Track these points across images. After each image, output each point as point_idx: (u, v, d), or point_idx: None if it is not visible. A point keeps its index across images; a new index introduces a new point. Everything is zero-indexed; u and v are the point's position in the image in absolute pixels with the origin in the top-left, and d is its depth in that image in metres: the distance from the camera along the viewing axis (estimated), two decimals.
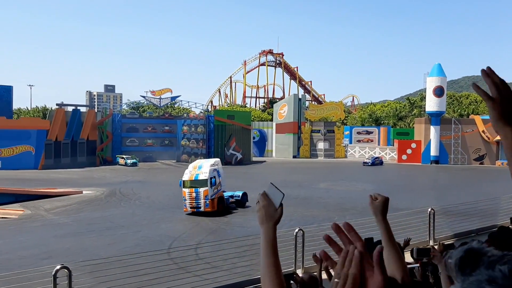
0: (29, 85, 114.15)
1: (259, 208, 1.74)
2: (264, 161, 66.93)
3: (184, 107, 78.67)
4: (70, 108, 59.48)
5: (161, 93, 65.40)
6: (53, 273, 7.29)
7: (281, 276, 1.67)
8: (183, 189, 26.31)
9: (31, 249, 18.68)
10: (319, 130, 72.68)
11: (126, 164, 57.18)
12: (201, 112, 66.07)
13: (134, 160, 58.06)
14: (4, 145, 51.00)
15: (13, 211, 26.65)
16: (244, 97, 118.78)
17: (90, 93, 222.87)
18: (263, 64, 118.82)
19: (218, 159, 30.49)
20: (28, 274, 13.17)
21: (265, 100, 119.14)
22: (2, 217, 25.05)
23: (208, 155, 60.07)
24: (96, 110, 72.35)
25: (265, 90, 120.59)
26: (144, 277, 13.25)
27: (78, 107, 59.80)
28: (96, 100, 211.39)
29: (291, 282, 4.46)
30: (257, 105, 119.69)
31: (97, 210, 27.97)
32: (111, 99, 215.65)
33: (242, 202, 28.72)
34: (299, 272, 10.95)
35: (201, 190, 25.68)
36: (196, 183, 26.11)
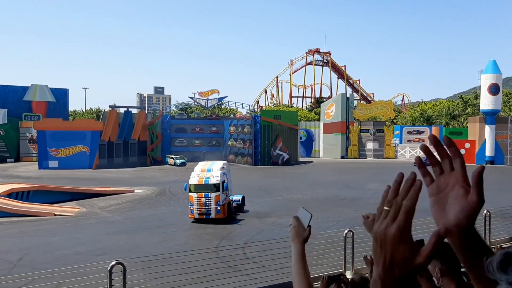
0: (84, 87, 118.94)
1: (291, 228, 2.09)
2: (311, 162, 66.44)
3: (231, 107, 79.46)
4: (122, 110, 61.42)
5: (209, 94, 66.34)
6: (108, 269, 7.54)
7: (309, 281, 2.03)
8: (190, 194, 24.04)
9: (86, 245, 19.43)
10: (368, 129, 71.31)
11: (175, 164, 58.43)
12: (248, 113, 66.46)
13: (183, 160, 59.22)
14: (61, 145, 53.33)
15: (69, 208, 27.80)
16: (291, 97, 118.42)
17: (140, 95, 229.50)
18: (310, 64, 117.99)
19: (226, 162, 28.58)
20: (84, 270, 13.68)
21: (312, 99, 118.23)
22: (60, 215, 26.20)
23: (254, 155, 60.34)
24: (146, 111, 74.28)
25: (312, 89, 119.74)
26: (193, 275, 13.47)
27: (130, 109, 61.71)
28: (146, 101, 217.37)
29: (341, 283, 4.40)
30: (304, 104, 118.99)
31: (148, 209, 28.72)
32: (161, 101, 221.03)
33: (241, 206, 27.00)
34: (348, 274, 10.78)
35: (213, 195, 23.56)
36: (206, 188, 23.90)
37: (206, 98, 66.06)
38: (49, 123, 55.59)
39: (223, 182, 24.18)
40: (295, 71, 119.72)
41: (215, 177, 24.21)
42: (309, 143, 74.50)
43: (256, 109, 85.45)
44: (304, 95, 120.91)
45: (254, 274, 14.70)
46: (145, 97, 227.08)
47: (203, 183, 24.06)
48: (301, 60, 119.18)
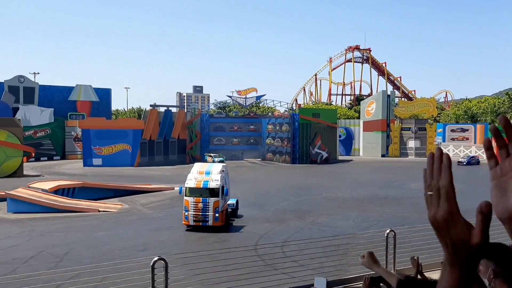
0: (125, 87, 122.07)
1: None
2: (351, 160, 65.60)
3: (269, 106, 79.50)
4: (162, 109, 62.55)
5: (247, 93, 66.64)
6: (151, 264, 7.69)
7: None
8: (186, 198, 21.78)
9: (129, 241, 19.92)
10: (410, 127, 69.74)
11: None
12: (286, 111, 66.32)
13: (221, 158, 59.74)
14: (105, 143, 54.89)
15: (112, 205, 28.58)
16: (330, 94, 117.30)
17: (180, 94, 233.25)
18: (349, 61, 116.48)
19: (225, 164, 25.84)
20: (127, 265, 14.02)
21: (352, 97, 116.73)
22: (103, 211, 26.97)
23: (293, 154, 60.14)
24: (185, 110, 75.41)
25: (351, 87, 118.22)
26: (232, 272, 13.57)
27: (170, 108, 62.72)
28: (185, 100, 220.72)
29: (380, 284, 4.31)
30: (343, 102, 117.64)
31: None
32: (200, 100, 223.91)
33: (235, 211, 25.01)
34: None
35: (211, 200, 21.20)
36: (204, 192, 21.58)
37: (244, 96, 66.36)
38: (93, 122, 57.34)
39: (223, 187, 21.96)
40: (334, 69, 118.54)
41: (214, 181, 21.78)
42: (348, 142, 73.58)
43: (294, 107, 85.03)
44: (344, 93, 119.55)
45: (293, 273, 14.66)
46: (184, 96, 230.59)
47: (201, 186, 21.69)
48: (341, 57, 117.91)
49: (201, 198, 21.26)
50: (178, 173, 47.54)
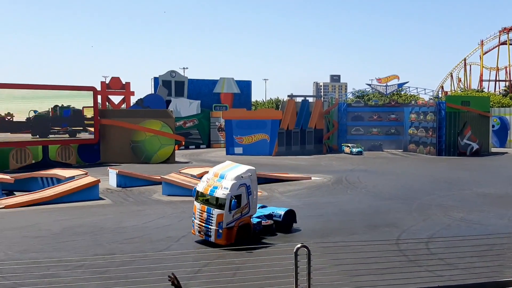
0: (264, 79, 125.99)
1: None
2: (506, 153, 59.18)
3: (412, 93, 75.22)
4: (299, 99, 63.24)
5: (387, 80, 63.90)
6: (294, 251, 7.80)
7: None
8: (195, 202, 17.92)
9: None
10: None
11: (351, 153, 58.01)
12: (431, 99, 62.13)
13: (360, 149, 58.45)
14: (245, 133, 57.54)
15: None
16: (481, 80, 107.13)
17: (316, 84, 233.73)
18: (504, 43, 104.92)
19: (253, 168, 18.87)
20: (273, 249, 14.48)
21: (507, 83, 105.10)
22: None
23: (438, 145, 56.26)
24: (322, 100, 75.10)
25: (506, 72, 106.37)
26: (373, 265, 13.16)
27: (307, 98, 63.10)
28: (322, 90, 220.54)
29: None
30: (497, 89, 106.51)
31: (324, 196, 29.07)
32: (337, 89, 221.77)
33: (284, 224, 19.37)
34: None
35: (215, 212, 16.90)
36: (211, 200, 17.29)
37: (384, 84, 63.76)
38: (235, 113, 60.46)
39: (232, 198, 16.83)
40: (486, 52, 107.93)
41: (224, 189, 17.02)
42: (503, 132, 66.35)
43: (440, 95, 79.39)
44: (497, 79, 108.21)
45: (439, 272, 13.72)
46: (321, 85, 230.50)
47: (208, 192, 17.39)
48: (493, 40, 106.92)
49: (206, 207, 17.30)
50: (314, 163, 47.72)
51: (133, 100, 60.72)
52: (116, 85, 57.17)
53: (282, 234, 18.89)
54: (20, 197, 27.03)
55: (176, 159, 49.91)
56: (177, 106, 66.71)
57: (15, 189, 30.04)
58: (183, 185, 28.72)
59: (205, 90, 72.86)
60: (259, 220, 18.46)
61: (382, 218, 22.19)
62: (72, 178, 29.32)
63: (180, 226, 20.46)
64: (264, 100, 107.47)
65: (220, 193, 16.93)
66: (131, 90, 58.33)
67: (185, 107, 68.51)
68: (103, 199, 27.75)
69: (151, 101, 59.99)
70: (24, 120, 43.65)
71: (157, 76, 68.66)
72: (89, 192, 27.46)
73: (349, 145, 59.79)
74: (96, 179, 28.49)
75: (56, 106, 45.28)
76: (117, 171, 32.41)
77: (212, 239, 16.95)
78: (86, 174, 30.35)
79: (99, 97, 52.76)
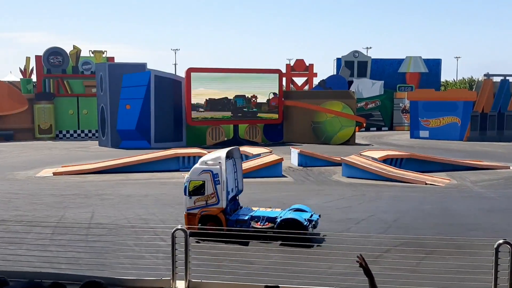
0: (456, 57, 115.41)
1: None
2: None
3: None
4: (497, 79, 56.27)
5: None
6: (495, 247, 7.00)
7: None
8: None
9: (457, 218, 18.89)
10: None
11: None
12: None
13: None
14: (432, 116, 53.70)
15: (440, 179, 27.66)
16: None
17: None
18: None
19: (237, 148, 18.22)
20: (465, 242, 13.27)
21: None
22: (431, 184, 26.39)
23: None
24: None
25: None
26: None
27: (507, 77, 55.75)
28: None
29: None
30: None
31: None
32: None
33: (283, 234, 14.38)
34: None
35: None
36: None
37: None
38: (422, 93, 56.72)
39: (190, 183, 15.93)
40: None
41: (188, 173, 16.76)
42: None
43: None
44: None
45: None
46: None
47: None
48: None
49: None
50: None
51: (315, 81, 61.87)
52: (300, 67, 58.93)
53: (481, 228, 17.17)
54: None
55: (357, 141, 49.40)
56: (359, 87, 65.66)
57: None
58: (363, 168, 28.27)
59: (389, 70, 70.14)
60: (250, 217, 15.98)
61: None
62: (258, 155, 31.33)
63: (360, 208, 20.22)
64: (455, 80, 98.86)
65: (186, 176, 16.81)
66: (314, 71, 59.48)
67: (367, 87, 67.04)
68: (286, 177, 29.05)
69: (333, 82, 60.35)
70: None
71: (340, 57, 68.54)
72: (273, 169, 29.09)
73: None
74: (279, 157, 29.96)
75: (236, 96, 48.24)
76: (298, 150, 33.53)
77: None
78: (270, 152, 32.12)
79: (283, 79, 55.03)
